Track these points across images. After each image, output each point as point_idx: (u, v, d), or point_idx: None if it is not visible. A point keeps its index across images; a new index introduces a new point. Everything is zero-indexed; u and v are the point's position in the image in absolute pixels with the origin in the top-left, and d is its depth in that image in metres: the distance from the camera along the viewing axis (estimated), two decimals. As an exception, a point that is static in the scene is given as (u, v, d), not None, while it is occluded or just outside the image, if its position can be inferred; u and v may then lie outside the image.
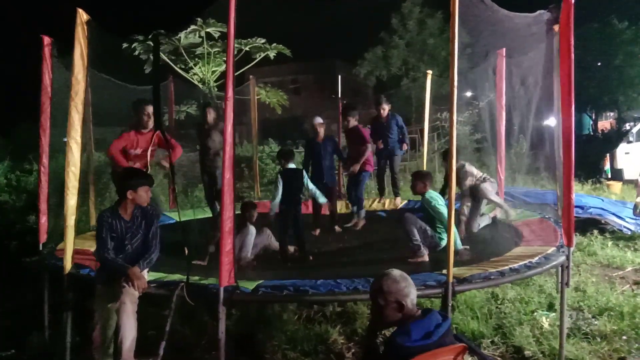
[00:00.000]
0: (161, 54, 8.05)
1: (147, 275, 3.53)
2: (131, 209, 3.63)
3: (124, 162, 4.96)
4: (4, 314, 5.12)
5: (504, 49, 6.52)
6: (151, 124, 4.83)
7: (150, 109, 4.88)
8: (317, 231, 6.42)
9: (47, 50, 4.74)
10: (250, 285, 3.37)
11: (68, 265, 3.60)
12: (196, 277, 3.55)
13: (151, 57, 7.46)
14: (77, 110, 3.47)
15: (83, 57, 3.47)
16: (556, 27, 4.14)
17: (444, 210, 4.77)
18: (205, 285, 3.39)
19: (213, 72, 8.63)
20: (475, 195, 5.98)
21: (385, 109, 7.12)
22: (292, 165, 5.45)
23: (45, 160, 4.94)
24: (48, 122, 4.90)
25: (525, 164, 9.54)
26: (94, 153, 7.39)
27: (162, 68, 8.20)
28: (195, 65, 8.54)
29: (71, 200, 3.55)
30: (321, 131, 6.50)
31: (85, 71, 3.49)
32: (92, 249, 4.35)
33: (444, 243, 4.71)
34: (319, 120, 6.58)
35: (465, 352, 2.38)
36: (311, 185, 5.54)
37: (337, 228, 6.56)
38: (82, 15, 3.44)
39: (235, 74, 9.06)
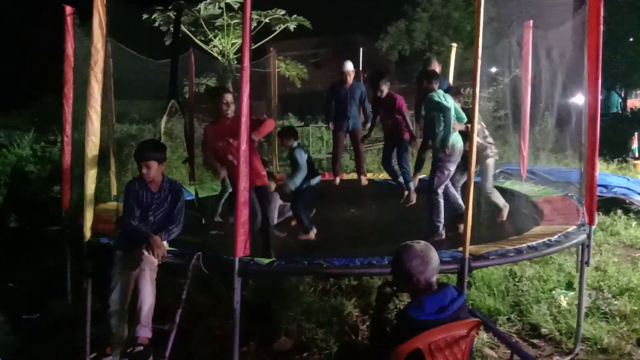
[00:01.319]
0: (181, 25, 8.00)
1: (166, 245, 3.57)
2: (159, 181, 3.66)
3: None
4: (29, 281, 5.28)
5: (531, 21, 6.30)
6: (231, 112, 4.32)
7: (229, 97, 4.39)
8: (338, 180, 6.47)
9: (69, 20, 4.75)
10: (265, 260, 3.40)
11: (88, 233, 3.66)
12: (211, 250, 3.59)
13: (171, 28, 7.40)
14: (97, 79, 3.48)
15: (102, 25, 3.46)
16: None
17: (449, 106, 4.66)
18: (221, 256, 3.42)
19: (233, 44, 8.55)
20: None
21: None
22: (296, 144, 5.37)
23: (68, 130, 5.00)
24: (71, 92, 4.94)
25: (550, 142, 9.34)
26: (115, 125, 7.46)
27: (182, 40, 8.16)
28: (214, 37, 8.46)
29: (91, 169, 3.59)
30: (350, 78, 6.34)
31: (104, 40, 3.48)
32: (113, 219, 4.44)
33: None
34: (349, 67, 6.39)
35: (479, 327, 2.37)
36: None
37: (363, 180, 6.50)
38: (100, -17, 3.42)
39: (255, 46, 8.98)
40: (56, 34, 4.90)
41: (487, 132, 5.43)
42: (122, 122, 14.83)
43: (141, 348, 3.15)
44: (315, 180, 5.39)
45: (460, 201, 4.93)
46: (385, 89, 6.16)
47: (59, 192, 5.08)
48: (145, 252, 3.33)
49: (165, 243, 3.51)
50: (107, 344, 3.48)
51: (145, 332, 3.19)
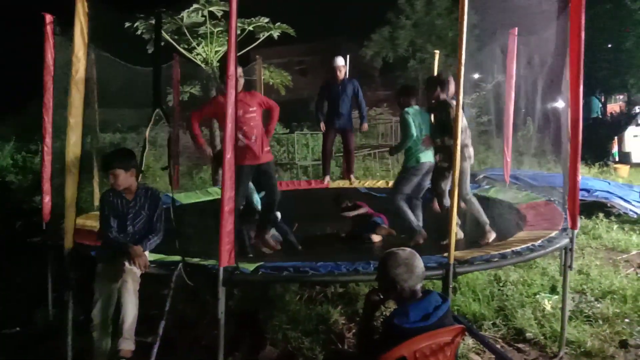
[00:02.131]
0: (164, 33, 7.95)
1: (148, 255, 3.53)
2: (133, 189, 3.63)
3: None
4: (10, 292, 5.18)
5: (516, 29, 6.38)
6: (240, 86, 4.20)
7: (239, 70, 4.15)
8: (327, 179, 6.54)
9: (49, 29, 4.70)
10: (250, 267, 3.37)
11: (69, 243, 3.60)
12: (196, 259, 3.55)
13: (153, 36, 7.37)
14: (78, 89, 3.44)
15: (83, 34, 3.42)
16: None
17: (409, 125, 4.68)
18: (205, 266, 3.39)
19: (216, 52, 8.52)
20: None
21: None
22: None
23: (48, 140, 4.94)
24: (51, 101, 4.88)
25: (533, 147, 9.46)
26: (99, 134, 7.39)
27: (165, 48, 8.11)
28: (198, 45, 8.44)
29: (72, 179, 3.54)
30: (340, 74, 6.27)
31: (86, 49, 3.45)
32: (95, 229, 4.39)
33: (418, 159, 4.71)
34: (340, 62, 6.30)
35: (463, 333, 2.38)
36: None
37: (352, 178, 6.46)
38: (82, -9, 3.39)
39: (239, 53, 8.97)
40: (39, 42, 4.85)
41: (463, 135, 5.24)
42: (105, 130, 14.72)
43: (124, 361, 3.12)
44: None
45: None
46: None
47: (40, 202, 5.01)
48: (127, 263, 3.29)
49: (146, 252, 3.47)
50: (90, 358, 3.43)
51: (128, 345, 3.15)
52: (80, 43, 3.43)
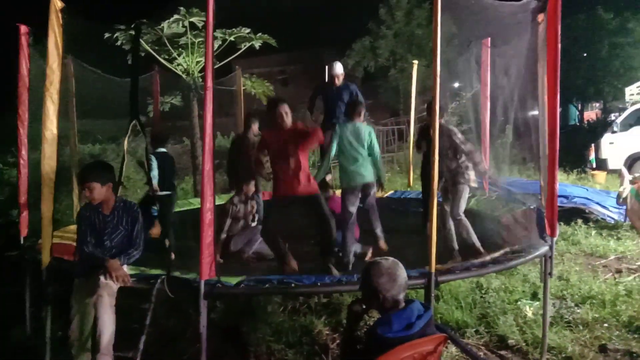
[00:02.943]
0: (144, 43, 7.91)
1: (127, 269, 3.47)
2: (111, 204, 3.56)
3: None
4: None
5: (489, 39, 6.50)
6: (289, 122, 4.27)
7: (286, 107, 4.30)
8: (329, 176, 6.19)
9: (24, 40, 4.61)
10: (233, 280, 3.34)
11: (46, 258, 3.53)
12: (177, 273, 3.51)
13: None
14: (53, 100, 3.39)
15: (58, 45, 3.38)
16: (541, 17, 4.12)
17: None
18: (187, 279, 3.36)
19: (197, 62, 8.49)
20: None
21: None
22: (163, 149, 5.70)
23: (24, 152, 4.83)
24: (26, 113, 4.78)
25: (511, 154, 9.57)
26: (78, 145, 7.29)
27: (144, 58, 8.06)
28: (179, 55, 8.41)
29: (48, 193, 3.48)
30: (338, 81, 6.19)
31: (60, 60, 3.40)
32: (74, 243, 4.31)
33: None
34: (339, 69, 6.20)
35: (445, 342, 2.38)
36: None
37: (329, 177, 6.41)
38: (57, 3, 3.35)
39: (220, 64, 8.92)
40: (13, 53, 4.77)
41: (463, 157, 4.92)
42: (85, 141, 14.51)
43: (103, 378, 3.05)
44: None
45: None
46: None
47: (17, 215, 4.90)
48: (102, 277, 3.23)
49: (125, 267, 3.41)
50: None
51: (106, 361, 3.09)
52: (54, 54, 3.39)
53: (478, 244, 4.67)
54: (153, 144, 5.66)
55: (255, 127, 6.26)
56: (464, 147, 4.76)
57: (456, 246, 4.77)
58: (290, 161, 4.26)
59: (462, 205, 4.82)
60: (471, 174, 4.83)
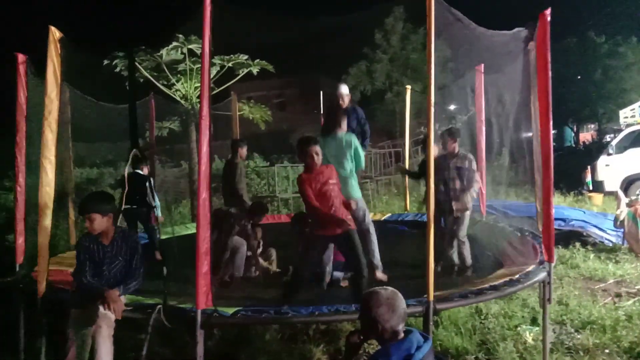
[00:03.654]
0: (142, 70, 8.01)
1: (124, 300, 3.44)
2: (111, 234, 3.56)
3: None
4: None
5: (482, 65, 6.60)
6: (319, 161, 4.08)
7: (317, 148, 4.06)
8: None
9: (21, 68, 4.64)
10: (229, 310, 3.31)
11: (42, 288, 3.50)
12: (174, 301, 3.47)
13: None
14: (51, 129, 3.41)
15: (56, 75, 3.41)
16: (532, 44, 4.18)
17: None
18: (183, 308, 3.32)
19: (196, 88, 8.60)
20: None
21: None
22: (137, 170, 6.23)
23: (21, 179, 4.83)
24: (24, 141, 4.79)
25: (508, 177, 9.61)
26: (74, 170, 7.30)
27: (143, 84, 8.16)
28: (177, 81, 8.51)
29: (45, 221, 3.47)
30: (344, 102, 5.80)
31: (59, 89, 3.43)
32: (71, 270, 4.27)
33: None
34: (344, 90, 5.85)
35: (445, 373, 2.36)
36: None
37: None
38: (55, 33, 3.39)
39: (219, 89, 9.02)
40: (10, 77, 4.80)
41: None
42: (82, 166, 14.55)
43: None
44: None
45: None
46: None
47: (14, 241, 4.87)
48: (101, 308, 3.20)
49: (122, 298, 3.39)
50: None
51: (103, 392, 3.04)
52: (53, 84, 3.42)
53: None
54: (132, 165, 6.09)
55: (242, 151, 6.34)
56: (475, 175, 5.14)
57: (469, 261, 5.22)
58: (333, 201, 4.05)
59: (465, 228, 5.29)
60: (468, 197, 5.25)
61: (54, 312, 3.65)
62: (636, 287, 5.96)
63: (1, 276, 5.99)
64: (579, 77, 24.36)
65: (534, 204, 5.44)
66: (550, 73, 3.73)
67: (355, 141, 4.87)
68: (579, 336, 4.57)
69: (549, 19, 3.76)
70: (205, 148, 3.01)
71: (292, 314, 3.30)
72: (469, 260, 5.25)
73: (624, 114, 15.79)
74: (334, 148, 4.76)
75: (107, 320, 3.20)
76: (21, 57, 4.63)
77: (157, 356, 4.07)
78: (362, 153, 4.96)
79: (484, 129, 6.73)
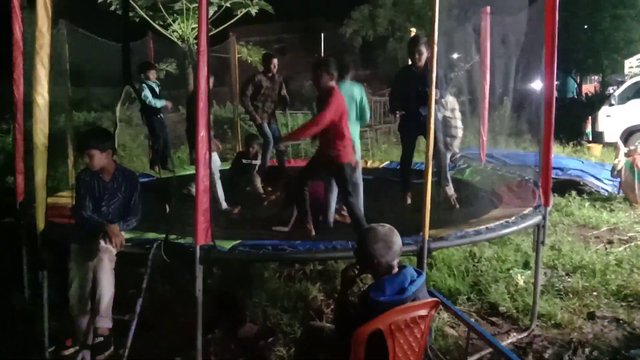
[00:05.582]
0: (138, 9, 7.77)
1: (124, 235, 3.49)
2: (111, 170, 3.57)
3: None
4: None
5: (488, 7, 6.41)
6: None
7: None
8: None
9: (16, 3, 4.52)
10: (227, 245, 3.37)
11: (41, 224, 3.53)
12: (173, 236, 3.52)
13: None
14: (43, 64, 3.32)
15: (47, 7, 3.29)
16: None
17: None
18: (182, 244, 3.38)
19: (193, 28, 8.37)
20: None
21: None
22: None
23: (20, 117, 4.76)
24: (21, 78, 4.70)
25: (508, 126, 9.56)
26: (73, 112, 7.24)
27: (140, 24, 7.94)
28: (174, 21, 8.27)
29: (41, 158, 3.44)
30: (420, 61, 5.02)
31: (50, 23, 3.32)
32: (69, 205, 4.31)
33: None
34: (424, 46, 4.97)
35: (437, 306, 2.43)
36: None
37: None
38: (45, -37, 3.25)
39: (216, 31, 8.79)
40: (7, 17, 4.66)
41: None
42: (80, 109, 14.37)
43: (101, 339, 3.11)
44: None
45: None
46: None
47: (14, 182, 4.89)
48: (102, 242, 3.26)
49: (122, 233, 3.44)
50: (67, 337, 3.41)
51: (105, 323, 3.14)
52: (43, 17, 3.29)
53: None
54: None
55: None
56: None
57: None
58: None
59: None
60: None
61: (55, 247, 3.71)
62: (628, 234, 6.07)
63: (4, 216, 6.08)
64: (585, 26, 23.71)
65: (532, 153, 5.50)
66: (557, 16, 3.65)
67: (362, 92, 4.66)
68: (569, 279, 4.70)
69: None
70: (203, 85, 2.96)
71: (290, 250, 3.36)
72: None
73: (629, 64, 15.53)
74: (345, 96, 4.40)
75: (108, 253, 3.25)
76: (14, -11, 4.48)
77: (157, 293, 4.18)
78: (367, 106, 4.78)
79: (488, 74, 6.61)
